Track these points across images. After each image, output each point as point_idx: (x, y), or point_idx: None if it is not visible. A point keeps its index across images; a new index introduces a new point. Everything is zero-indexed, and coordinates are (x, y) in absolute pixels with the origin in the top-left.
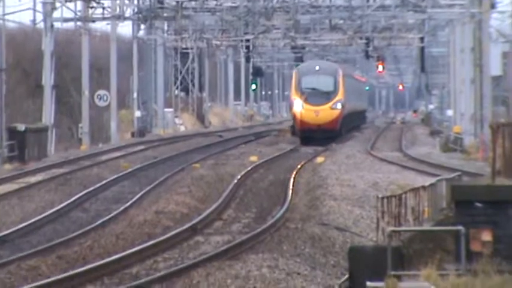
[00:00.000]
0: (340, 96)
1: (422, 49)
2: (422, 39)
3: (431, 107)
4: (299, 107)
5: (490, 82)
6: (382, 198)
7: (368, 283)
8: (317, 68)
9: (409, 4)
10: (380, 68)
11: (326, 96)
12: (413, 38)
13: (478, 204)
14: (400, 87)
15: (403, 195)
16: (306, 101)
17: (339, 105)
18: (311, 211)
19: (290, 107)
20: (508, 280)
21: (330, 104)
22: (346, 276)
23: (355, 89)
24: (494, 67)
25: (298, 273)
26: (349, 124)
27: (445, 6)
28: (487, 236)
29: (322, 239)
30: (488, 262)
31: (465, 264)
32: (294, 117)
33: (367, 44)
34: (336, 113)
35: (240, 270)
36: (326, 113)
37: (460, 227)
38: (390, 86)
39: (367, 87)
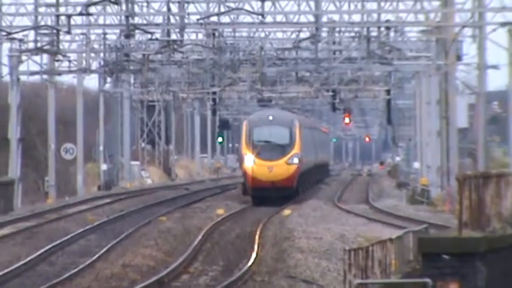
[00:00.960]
0: (296, 149)
1: (388, 101)
2: (388, 91)
3: (397, 159)
4: (250, 162)
5: (457, 134)
6: (349, 250)
7: None
8: (270, 118)
9: (375, 56)
10: (347, 120)
11: (281, 149)
12: (379, 90)
13: (445, 257)
14: (367, 139)
15: (370, 248)
16: (258, 155)
17: (296, 160)
18: (278, 264)
19: (240, 162)
20: None
21: (286, 158)
22: None
23: (315, 140)
24: (461, 119)
25: None
26: (308, 180)
27: (411, 58)
28: (454, 287)
29: None
30: None
31: None
32: (244, 173)
33: (334, 96)
34: (292, 169)
35: None
36: (281, 168)
37: (427, 279)
38: (357, 138)
39: (334, 139)
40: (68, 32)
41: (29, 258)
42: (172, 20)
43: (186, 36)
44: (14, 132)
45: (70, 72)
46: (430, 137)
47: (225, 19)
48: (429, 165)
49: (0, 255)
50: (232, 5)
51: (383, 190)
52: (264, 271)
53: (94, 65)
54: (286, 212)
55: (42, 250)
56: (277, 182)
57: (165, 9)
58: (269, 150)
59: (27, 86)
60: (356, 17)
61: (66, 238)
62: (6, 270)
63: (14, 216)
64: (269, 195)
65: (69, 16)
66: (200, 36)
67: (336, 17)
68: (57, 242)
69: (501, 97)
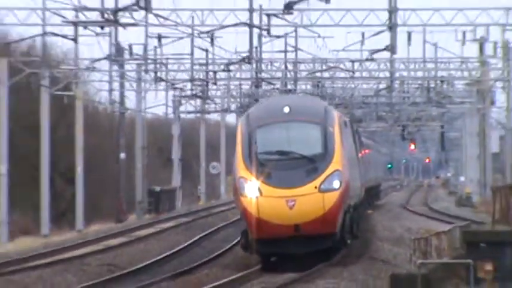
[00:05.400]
0: (337, 163)
1: (442, 133)
2: (442, 126)
3: (449, 174)
4: (253, 192)
5: (491, 157)
6: (414, 239)
7: None
8: (286, 109)
9: (433, 101)
10: (412, 146)
11: (308, 165)
12: (436, 125)
13: (482, 245)
14: (427, 160)
15: (429, 237)
16: (266, 180)
17: (336, 182)
18: (363, 249)
19: (234, 191)
20: None
21: (317, 181)
22: None
23: (365, 151)
24: (494, 146)
25: None
26: (357, 216)
27: (458, 103)
28: (489, 266)
29: (371, 269)
30: (490, 285)
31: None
32: (243, 213)
33: (403, 130)
34: (330, 199)
35: None
36: (310, 200)
37: (470, 261)
38: (419, 159)
39: (404, 160)
40: (215, 83)
41: (186, 244)
42: (288, 75)
43: (298, 87)
44: (176, 154)
45: (215, 111)
46: (472, 159)
47: (326, 74)
48: (472, 179)
49: (167, 241)
50: (331, 64)
51: (438, 196)
52: (353, 254)
53: (233, 107)
54: (369, 211)
55: (196, 238)
56: (305, 225)
57: (283, 67)
58: (286, 168)
59: (185, 121)
60: (419, 73)
61: (213, 229)
62: (170, 252)
63: (175, 213)
64: (291, 252)
65: (215, 72)
66: (308, 86)
67: (405, 73)
68: (207, 232)
69: None
